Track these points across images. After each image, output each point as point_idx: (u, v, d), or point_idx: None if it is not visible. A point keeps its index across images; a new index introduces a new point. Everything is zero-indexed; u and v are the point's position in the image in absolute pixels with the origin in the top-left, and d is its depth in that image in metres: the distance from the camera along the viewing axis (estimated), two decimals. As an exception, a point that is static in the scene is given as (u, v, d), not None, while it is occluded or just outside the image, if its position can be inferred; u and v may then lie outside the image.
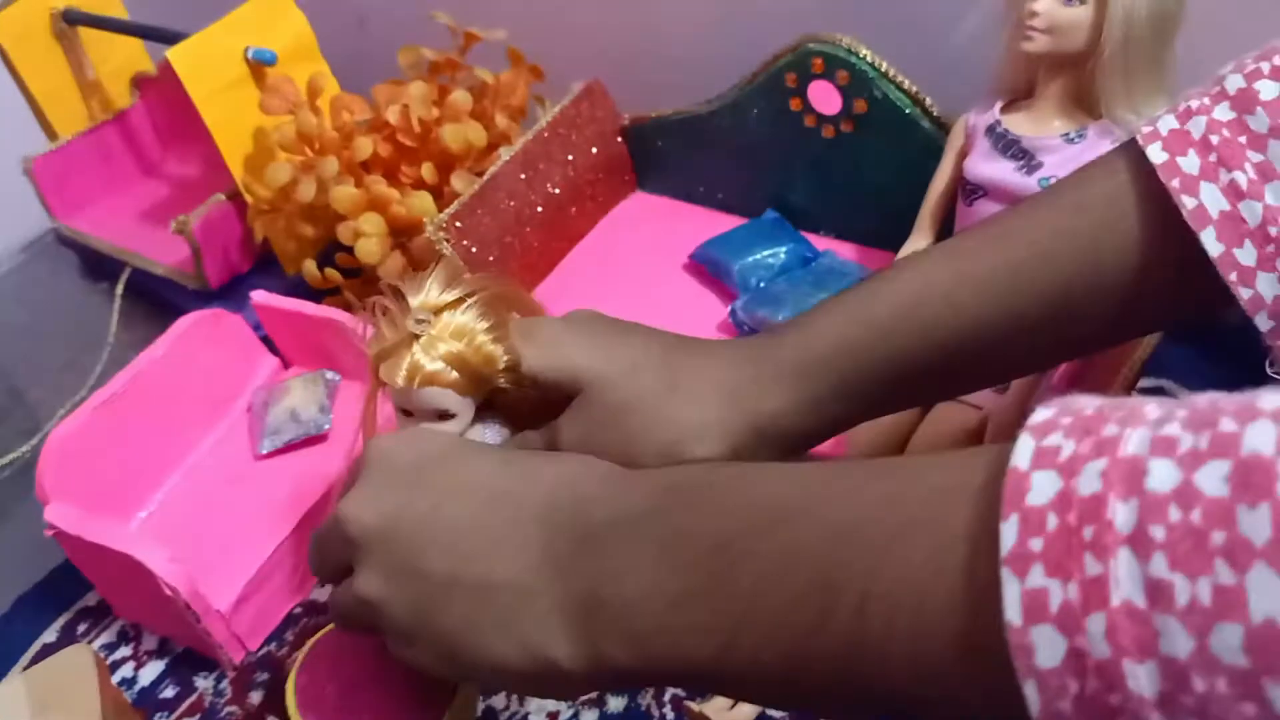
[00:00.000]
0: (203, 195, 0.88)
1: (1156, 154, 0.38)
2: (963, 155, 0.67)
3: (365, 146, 0.78)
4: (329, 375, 0.76)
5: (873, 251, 0.79)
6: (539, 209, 0.81)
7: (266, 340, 0.80)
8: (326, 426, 0.73)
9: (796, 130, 0.77)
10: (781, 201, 0.82)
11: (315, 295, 0.82)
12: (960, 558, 0.25)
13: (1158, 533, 0.21)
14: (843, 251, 0.79)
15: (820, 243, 0.80)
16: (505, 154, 0.78)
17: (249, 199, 0.86)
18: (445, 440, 0.39)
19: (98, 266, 0.99)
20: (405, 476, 0.37)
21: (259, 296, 0.77)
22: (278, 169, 0.80)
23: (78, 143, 1.01)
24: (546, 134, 0.81)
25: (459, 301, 0.42)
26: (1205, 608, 0.20)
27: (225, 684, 0.62)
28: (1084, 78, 0.60)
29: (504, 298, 0.43)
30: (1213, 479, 0.20)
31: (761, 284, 0.76)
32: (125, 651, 0.66)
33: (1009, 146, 0.63)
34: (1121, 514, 0.21)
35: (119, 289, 0.92)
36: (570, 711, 0.56)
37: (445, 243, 0.74)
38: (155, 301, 0.92)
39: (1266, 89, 0.37)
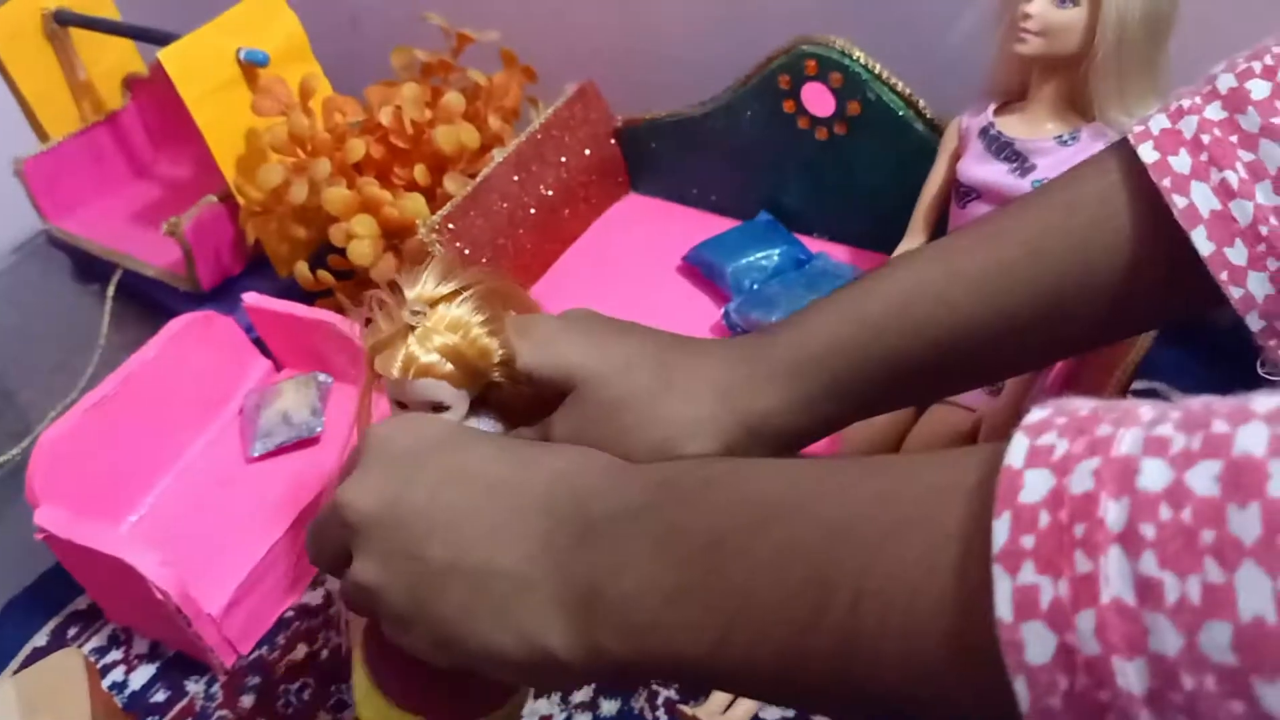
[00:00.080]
0: (194, 197, 0.88)
1: (1148, 153, 0.38)
2: (956, 157, 0.67)
3: (358, 148, 0.78)
4: (321, 378, 0.76)
5: (866, 254, 0.79)
6: (532, 211, 0.81)
7: (258, 342, 0.80)
8: (319, 429, 0.72)
9: (790, 132, 0.77)
10: (775, 204, 0.82)
11: (307, 297, 0.82)
12: (953, 555, 0.25)
13: (1148, 531, 0.21)
14: (836, 254, 0.79)
15: (813, 245, 0.80)
16: (498, 155, 0.78)
17: (241, 201, 0.86)
18: (444, 426, 0.39)
19: (89, 268, 0.99)
20: (404, 462, 0.37)
21: (251, 298, 0.76)
22: (270, 170, 0.80)
23: (69, 144, 1.01)
24: (539, 135, 0.81)
25: (454, 294, 0.42)
26: (1194, 606, 0.20)
27: (217, 688, 0.62)
28: (1077, 80, 0.60)
29: (500, 292, 0.44)
30: (1204, 479, 0.21)
31: (755, 286, 0.76)
32: (116, 655, 0.65)
33: (1002, 149, 0.63)
34: (1113, 512, 0.21)
35: (110, 291, 0.92)
36: (564, 715, 0.56)
37: (438, 244, 0.73)
38: (147, 303, 0.92)
39: (1258, 88, 0.37)
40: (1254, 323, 0.38)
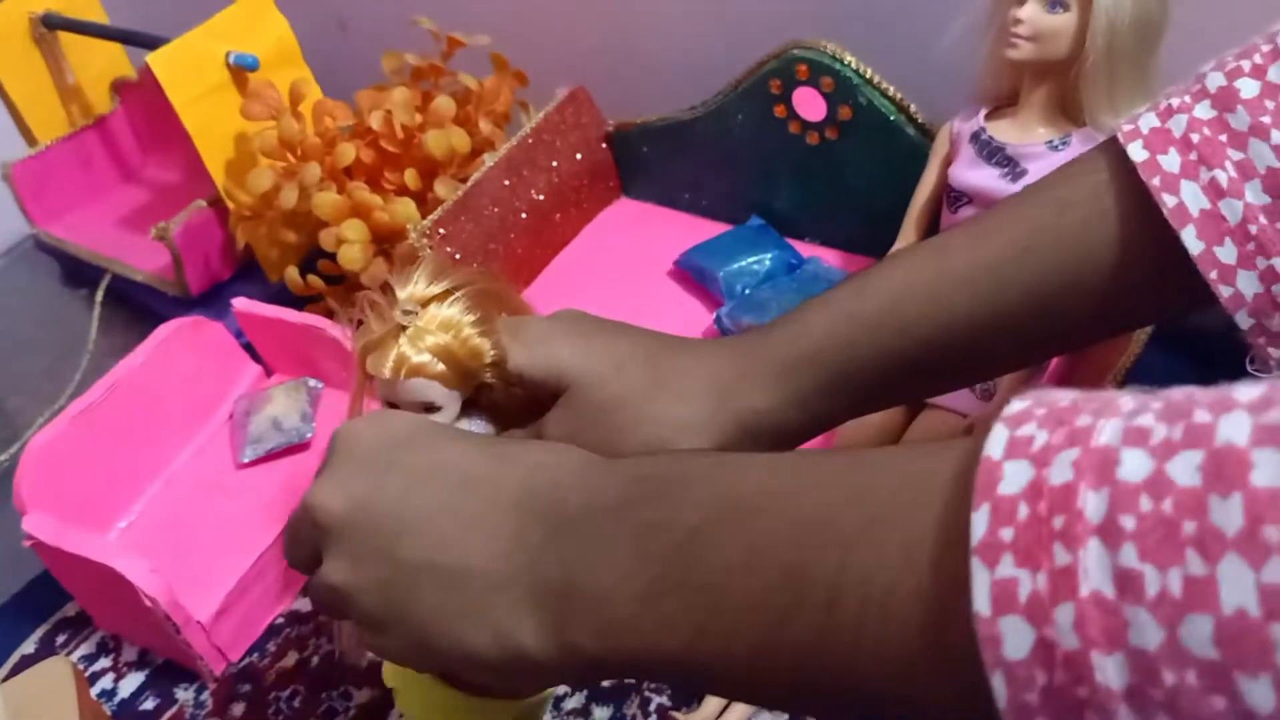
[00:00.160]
0: (184, 201, 0.87)
1: (1137, 152, 0.38)
2: (947, 162, 0.67)
3: (348, 152, 0.77)
4: (311, 383, 0.76)
5: (857, 258, 0.79)
6: (523, 215, 0.81)
7: (248, 348, 0.79)
8: (309, 435, 0.72)
9: (781, 137, 0.77)
10: (766, 208, 0.82)
11: (298, 302, 0.81)
12: (931, 549, 0.24)
13: (1128, 522, 0.20)
14: (827, 258, 0.79)
15: (805, 250, 0.80)
16: (489, 160, 0.78)
17: (230, 205, 0.86)
18: (415, 422, 0.38)
19: (77, 273, 0.98)
20: (374, 460, 0.36)
21: (240, 304, 0.76)
22: (259, 175, 0.80)
23: (57, 148, 1.00)
24: (531, 140, 0.81)
25: (446, 294, 0.42)
26: (1175, 599, 0.19)
27: (206, 696, 0.62)
28: (1068, 85, 0.60)
29: (492, 293, 0.43)
30: (1185, 469, 0.20)
31: (746, 291, 0.76)
32: (105, 663, 0.65)
33: (993, 154, 0.63)
34: (1092, 503, 0.21)
35: (99, 296, 0.92)
36: (555, 721, 0.56)
37: (428, 249, 0.73)
38: (135, 309, 0.92)
39: (1247, 87, 0.37)
40: (1243, 321, 0.38)
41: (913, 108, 0.71)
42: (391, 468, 0.36)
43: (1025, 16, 0.58)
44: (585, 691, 0.58)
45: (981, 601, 0.22)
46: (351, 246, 0.76)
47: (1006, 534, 0.22)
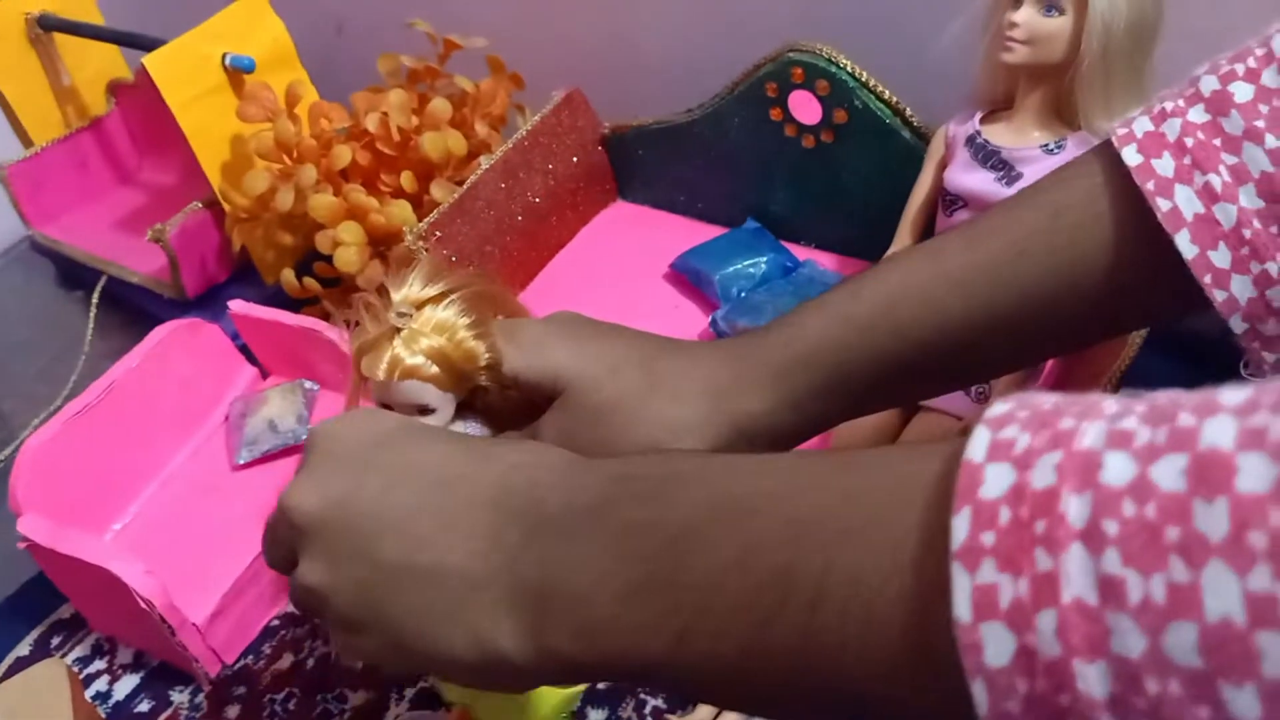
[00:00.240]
0: (180, 203, 0.87)
1: (1131, 156, 0.39)
2: (943, 166, 0.67)
3: (344, 154, 0.77)
4: (307, 385, 0.76)
5: (853, 261, 0.79)
6: (519, 218, 0.81)
7: (244, 350, 0.79)
8: (305, 437, 0.72)
9: (777, 140, 0.77)
10: (762, 211, 0.82)
11: (294, 304, 0.81)
12: (913, 553, 0.24)
13: (1111, 527, 0.20)
14: (823, 261, 0.79)
15: (801, 252, 0.80)
16: (485, 163, 0.78)
17: (227, 207, 0.85)
18: (394, 422, 0.38)
19: (73, 275, 0.98)
20: (352, 460, 0.36)
21: (237, 306, 0.76)
22: (255, 177, 0.80)
23: (53, 150, 1.00)
24: (527, 143, 0.81)
25: (441, 296, 0.42)
26: (1159, 606, 0.19)
27: (201, 698, 0.62)
28: (1063, 89, 0.60)
29: (487, 296, 0.43)
30: (1169, 473, 0.20)
31: (742, 294, 0.76)
32: (100, 665, 0.65)
33: (989, 157, 0.63)
34: (1074, 508, 0.21)
35: (94, 298, 0.91)
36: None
37: (424, 252, 0.73)
38: (131, 311, 0.92)
39: (1241, 91, 0.37)
40: (1237, 325, 0.38)
41: (908, 111, 0.71)
42: (369, 467, 0.35)
43: (1021, 20, 0.59)
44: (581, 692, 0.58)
45: (962, 607, 0.21)
46: (347, 249, 0.76)
47: (988, 538, 0.22)
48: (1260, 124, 0.36)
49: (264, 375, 0.80)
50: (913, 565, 0.24)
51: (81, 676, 0.64)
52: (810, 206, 0.79)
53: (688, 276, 0.80)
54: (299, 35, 0.89)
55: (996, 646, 0.21)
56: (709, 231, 0.83)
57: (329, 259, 0.78)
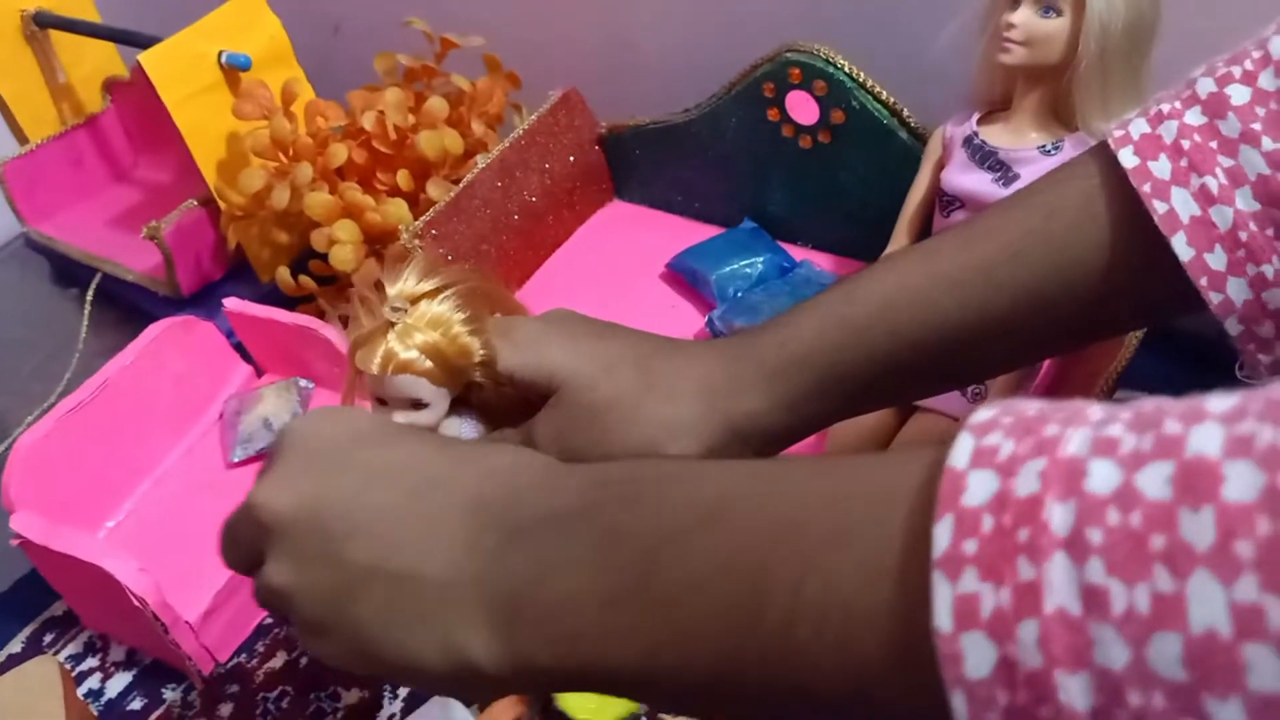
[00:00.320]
0: (175, 201, 0.87)
1: (1128, 158, 0.39)
2: (940, 166, 0.67)
3: (340, 153, 0.77)
4: (302, 383, 0.75)
5: (849, 262, 0.79)
6: (515, 217, 0.81)
7: (239, 348, 0.79)
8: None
9: (774, 140, 0.77)
10: (759, 211, 0.82)
11: (289, 303, 0.81)
12: (893, 561, 0.24)
13: (1095, 536, 0.20)
14: (820, 262, 0.79)
15: (797, 253, 0.80)
16: (481, 162, 0.78)
17: (222, 205, 0.85)
18: (370, 420, 0.37)
19: (68, 272, 0.98)
20: (325, 458, 0.35)
21: (232, 304, 0.76)
22: (251, 175, 0.80)
23: (48, 147, 1.00)
24: (523, 142, 0.81)
25: (436, 292, 0.42)
26: (1143, 616, 0.19)
27: (194, 696, 0.62)
28: (1060, 90, 0.60)
29: (483, 292, 0.43)
30: (1155, 481, 0.19)
31: (739, 294, 0.76)
32: (92, 662, 0.65)
33: (986, 158, 0.63)
34: (1058, 516, 0.20)
35: (89, 295, 0.91)
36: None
37: (420, 250, 0.73)
38: (126, 308, 0.91)
39: (1238, 93, 0.37)
40: (1233, 327, 0.38)
41: (905, 112, 0.71)
42: (342, 467, 0.34)
43: (1018, 21, 0.59)
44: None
45: (943, 617, 0.21)
46: (343, 247, 0.76)
47: (970, 547, 0.21)
48: (1257, 126, 0.36)
49: (259, 373, 0.80)
50: (893, 574, 0.23)
51: (74, 674, 0.64)
52: (807, 207, 0.79)
53: (684, 276, 0.80)
54: (296, 33, 0.89)
55: (977, 657, 0.20)
56: (706, 231, 0.83)
57: (324, 257, 0.77)
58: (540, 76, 0.85)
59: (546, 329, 0.44)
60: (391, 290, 0.41)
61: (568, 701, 0.48)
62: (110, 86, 1.03)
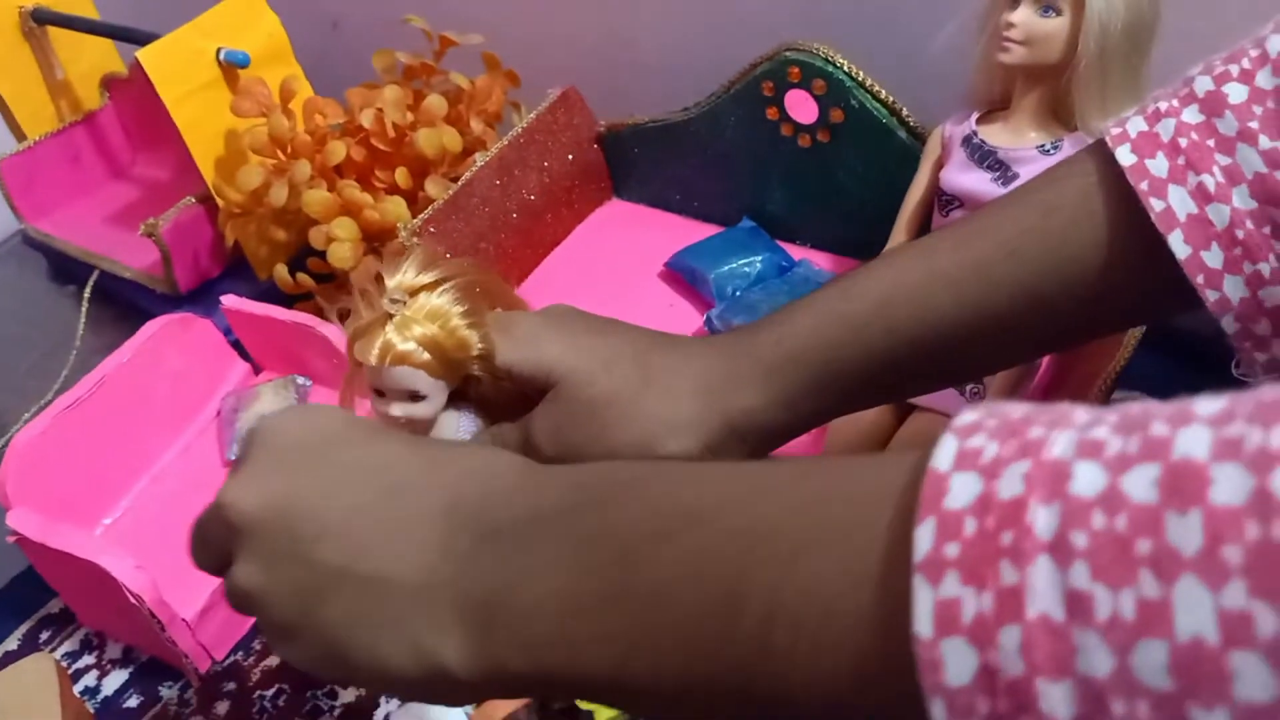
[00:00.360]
0: (173, 198, 0.87)
1: (1125, 156, 0.39)
2: (939, 165, 0.67)
3: (338, 150, 0.77)
4: (300, 380, 0.75)
5: (848, 261, 0.79)
6: (514, 215, 0.81)
7: (237, 345, 0.79)
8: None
9: (773, 139, 0.77)
10: (758, 210, 0.82)
11: (287, 300, 0.81)
12: (874, 565, 0.23)
13: (1080, 540, 0.19)
14: (818, 261, 0.79)
15: (796, 252, 0.80)
16: (480, 160, 0.78)
17: (220, 202, 0.85)
18: (343, 419, 0.37)
19: (65, 269, 0.98)
20: (296, 457, 0.34)
21: (229, 301, 0.76)
22: (249, 172, 0.80)
23: (46, 144, 1.00)
24: (522, 140, 0.80)
25: (435, 284, 0.42)
26: (1128, 623, 0.18)
27: (191, 694, 0.61)
28: (1060, 89, 0.60)
29: (482, 286, 0.43)
30: (1141, 484, 0.19)
31: (737, 293, 0.76)
32: (88, 660, 0.65)
33: (985, 157, 0.63)
34: (1042, 519, 0.20)
35: (87, 292, 0.91)
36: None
37: (418, 249, 0.73)
38: (124, 305, 0.91)
39: (1235, 92, 0.37)
40: (1229, 325, 0.38)
41: (905, 111, 0.71)
42: (313, 466, 0.34)
43: (1018, 20, 0.58)
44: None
45: (923, 623, 0.20)
46: (341, 245, 0.76)
47: (952, 550, 0.21)
48: (1254, 125, 0.36)
49: (256, 371, 0.80)
50: (873, 578, 0.23)
51: (70, 671, 0.64)
52: (806, 206, 0.79)
53: (683, 275, 0.80)
54: (294, 31, 0.89)
55: (957, 664, 0.20)
56: (704, 230, 0.83)
57: (322, 255, 0.77)
58: (539, 75, 0.85)
59: (545, 324, 0.44)
60: (390, 282, 0.42)
61: None
62: (108, 83, 1.03)
